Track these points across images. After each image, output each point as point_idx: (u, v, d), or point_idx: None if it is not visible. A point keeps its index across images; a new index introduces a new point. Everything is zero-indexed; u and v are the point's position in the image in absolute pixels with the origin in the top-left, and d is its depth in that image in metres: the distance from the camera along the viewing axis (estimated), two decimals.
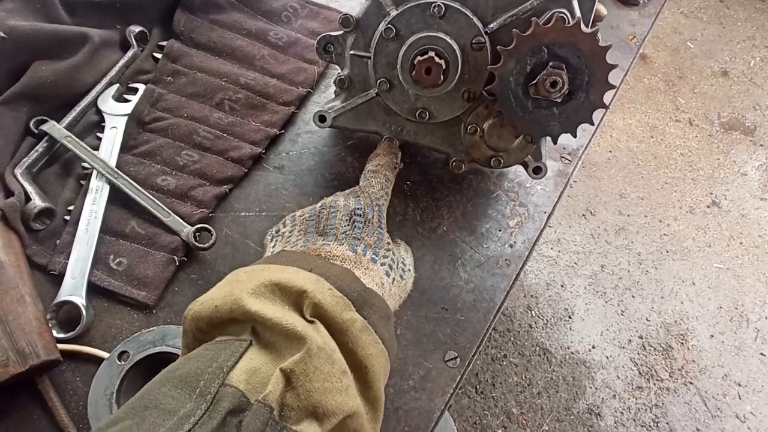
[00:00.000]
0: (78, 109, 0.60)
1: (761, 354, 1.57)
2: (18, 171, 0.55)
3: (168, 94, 0.63)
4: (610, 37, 0.81)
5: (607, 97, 0.48)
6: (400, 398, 0.50)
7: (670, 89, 2.15)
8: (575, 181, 1.85)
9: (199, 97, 0.63)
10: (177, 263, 0.53)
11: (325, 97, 0.68)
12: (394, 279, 0.43)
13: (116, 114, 0.61)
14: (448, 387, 0.51)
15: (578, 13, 0.47)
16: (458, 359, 0.53)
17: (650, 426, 1.43)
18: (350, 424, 0.32)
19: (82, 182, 0.56)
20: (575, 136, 0.50)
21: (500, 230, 0.61)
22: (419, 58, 0.48)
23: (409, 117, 0.55)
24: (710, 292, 1.67)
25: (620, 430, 1.42)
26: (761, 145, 2.04)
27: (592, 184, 1.86)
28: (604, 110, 0.55)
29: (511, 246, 0.60)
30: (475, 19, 0.48)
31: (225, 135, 0.61)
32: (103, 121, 0.60)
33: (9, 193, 0.53)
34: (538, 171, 0.57)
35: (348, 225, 0.44)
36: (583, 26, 0.44)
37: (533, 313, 1.58)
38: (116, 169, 0.56)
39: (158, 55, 0.66)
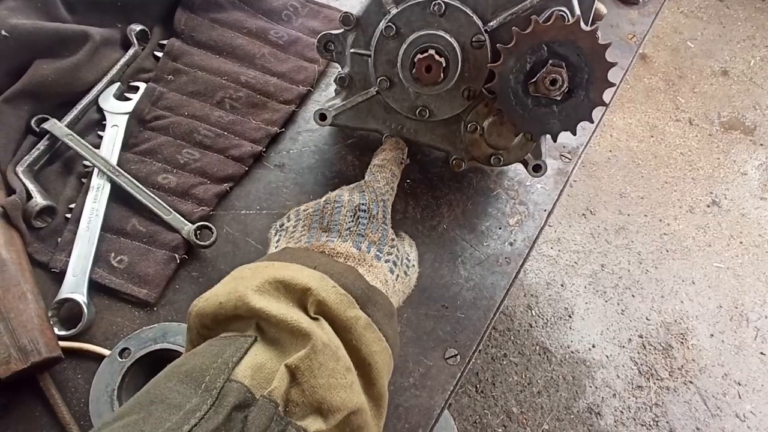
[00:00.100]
0: (79, 107, 0.60)
1: (761, 353, 1.57)
2: (19, 169, 0.55)
3: (169, 93, 0.63)
4: (609, 36, 0.81)
5: (607, 95, 0.48)
6: (400, 395, 0.50)
7: (670, 89, 2.15)
8: (575, 181, 1.85)
9: (200, 95, 0.64)
10: (178, 261, 0.53)
11: (326, 96, 0.68)
12: (398, 275, 0.44)
13: (117, 112, 0.61)
14: (448, 384, 0.51)
15: (578, 12, 0.47)
16: (458, 357, 0.53)
17: (650, 425, 1.43)
18: (354, 420, 0.32)
19: (84, 180, 0.57)
20: (575, 134, 0.50)
21: (500, 228, 0.61)
22: (419, 56, 0.49)
23: (409, 115, 0.55)
24: (710, 291, 1.67)
25: (620, 429, 1.42)
26: (761, 145, 2.05)
27: (592, 184, 1.86)
28: (604, 108, 0.56)
29: (511, 244, 0.60)
30: (475, 17, 0.48)
31: (225, 133, 0.61)
32: (104, 120, 0.60)
33: (10, 191, 0.53)
34: (538, 169, 0.57)
35: (352, 221, 0.44)
36: (582, 24, 0.44)
37: (533, 312, 1.58)
38: (117, 167, 0.56)
39: (159, 54, 0.66)
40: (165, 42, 0.66)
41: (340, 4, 0.76)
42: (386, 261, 0.43)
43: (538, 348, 1.52)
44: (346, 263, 0.40)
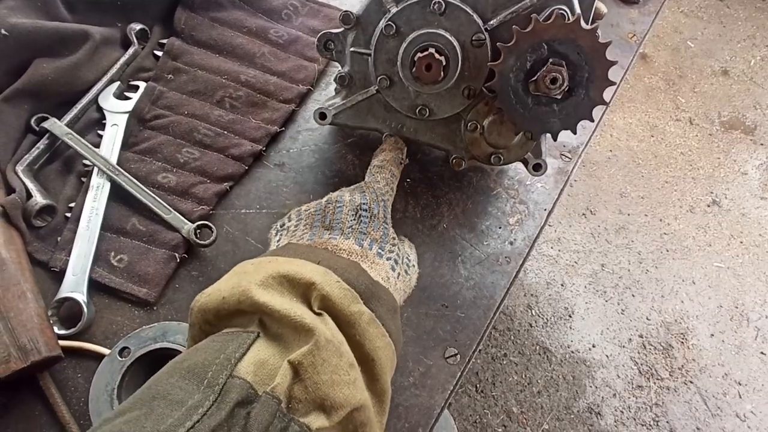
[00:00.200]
0: (79, 106, 0.60)
1: (761, 353, 1.57)
2: (19, 168, 0.55)
3: (169, 92, 0.63)
4: (610, 35, 0.81)
5: (607, 93, 0.48)
6: (400, 395, 0.50)
7: (670, 88, 2.15)
8: (575, 180, 1.85)
9: (200, 94, 0.64)
10: (178, 260, 0.53)
11: (326, 95, 0.68)
12: (399, 274, 0.44)
13: (117, 111, 0.61)
14: (448, 384, 0.51)
15: (578, 10, 0.47)
16: (458, 356, 0.53)
17: (650, 425, 1.43)
18: (357, 417, 0.32)
19: (83, 179, 0.56)
20: (575, 133, 0.50)
21: (500, 227, 0.61)
22: (419, 54, 0.49)
23: (409, 114, 0.55)
24: (710, 291, 1.67)
25: (620, 429, 1.42)
26: (761, 144, 2.04)
27: (593, 183, 1.86)
28: (604, 107, 0.55)
29: (511, 243, 0.60)
30: (475, 16, 0.48)
31: (225, 132, 0.61)
32: (104, 119, 0.60)
33: (10, 190, 0.53)
34: (538, 168, 0.57)
35: (354, 219, 0.44)
36: (583, 23, 0.44)
37: (533, 312, 1.58)
38: (117, 167, 0.56)
39: (159, 53, 0.66)
40: (165, 41, 0.66)
41: (340, 2, 0.76)
42: (388, 259, 0.43)
43: (538, 348, 1.52)
44: (349, 259, 0.40)
